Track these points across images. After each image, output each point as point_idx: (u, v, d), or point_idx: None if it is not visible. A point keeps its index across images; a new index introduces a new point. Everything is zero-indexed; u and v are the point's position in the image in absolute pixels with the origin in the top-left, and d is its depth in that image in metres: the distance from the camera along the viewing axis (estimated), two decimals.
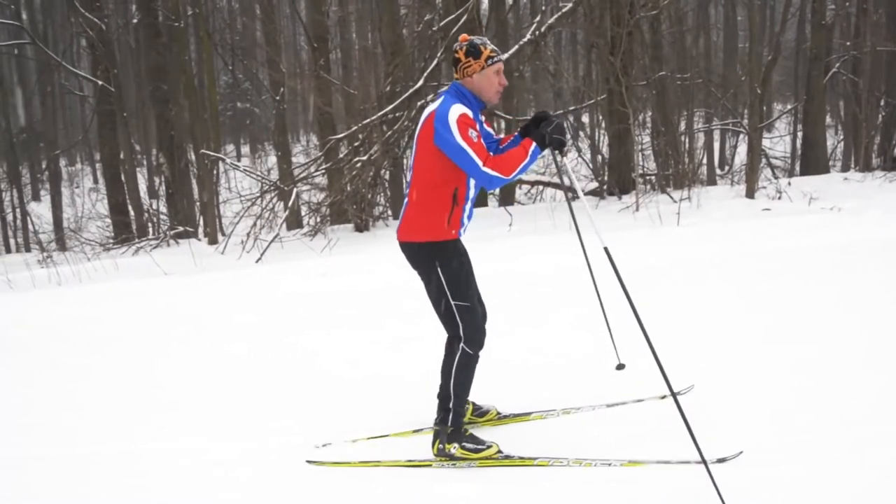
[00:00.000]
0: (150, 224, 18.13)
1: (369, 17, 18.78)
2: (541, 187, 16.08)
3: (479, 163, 3.48)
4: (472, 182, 3.67)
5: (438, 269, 3.66)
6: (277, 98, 17.21)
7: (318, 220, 13.99)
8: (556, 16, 14.34)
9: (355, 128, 13.74)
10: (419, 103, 13.22)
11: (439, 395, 3.84)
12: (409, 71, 13.89)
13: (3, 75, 27.38)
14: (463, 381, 3.75)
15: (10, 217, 22.85)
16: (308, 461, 3.90)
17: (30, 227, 22.02)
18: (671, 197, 12.84)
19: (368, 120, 13.41)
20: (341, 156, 14.12)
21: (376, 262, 9.51)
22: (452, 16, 13.76)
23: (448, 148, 3.51)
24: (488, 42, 3.71)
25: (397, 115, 13.34)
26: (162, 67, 16.69)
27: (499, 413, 4.25)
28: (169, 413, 4.87)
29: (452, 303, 3.68)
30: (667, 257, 8.59)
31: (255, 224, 13.54)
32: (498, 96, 3.75)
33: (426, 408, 3.98)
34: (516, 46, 14.06)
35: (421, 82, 13.35)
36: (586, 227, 3.99)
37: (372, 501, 3.49)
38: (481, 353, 3.81)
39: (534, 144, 3.60)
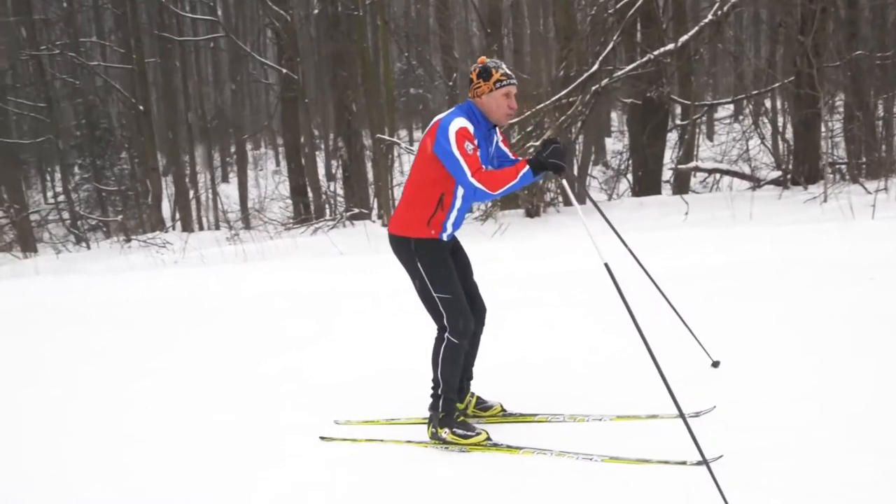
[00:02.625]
0: (327, 205, 19.01)
1: (542, 2, 18.67)
2: (718, 175, 15.41)
3: (468, 173, 3.71)
4: (461, 193, 3.89)
5: (418, 264, 3.91)
6: (450, 83, 17.48)
7: (489, 204, 14.10)
8: None
9: (527, 113, 13.68)
10: (593, 88, 12.99)
11: (432, 383, 4.04)
12: (583, 55, 13.66)
13: (201, 66, 29.58)
14: (450, 369, 3.95)
15: (203, 197, 24.68)
16: (321, 437, 4.21)
17: (219, 206, 23.72)
18: (865, 188, 11.90)
19: (541, 105, 13.31)
20: (513, 141, 14.14)
21: (544, 249, 9.43)
22: None
23: (443, 156, 3.75)
24: (502, 65, 3.91)
25: (570, 99, 13.15)
26: (341, 55, 17.39)
27: (504, 410, 4.30)
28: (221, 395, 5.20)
29: (435, 295, 3.90)
30: (854, 253, 7.82)
31: None
32: (507, 118, 3.98)
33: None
34: (696, 28, 13.50)
35: (595, 66, 13.10)
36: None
37: (373, 471, 3.84)
38: (467, 343, 3.98)
39: (526, 167, 3.79)
